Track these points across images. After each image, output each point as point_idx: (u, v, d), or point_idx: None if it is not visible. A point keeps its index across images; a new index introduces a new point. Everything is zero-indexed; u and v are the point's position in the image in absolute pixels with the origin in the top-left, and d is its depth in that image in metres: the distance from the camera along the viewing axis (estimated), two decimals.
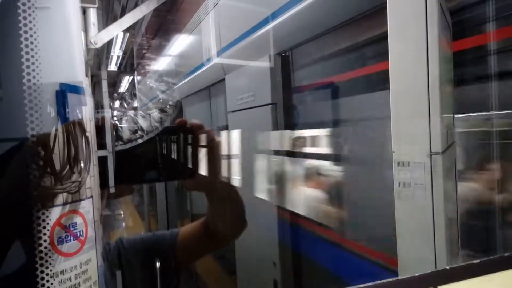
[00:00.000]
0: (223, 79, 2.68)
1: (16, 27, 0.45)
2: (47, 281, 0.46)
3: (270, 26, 1.93)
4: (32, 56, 0.46)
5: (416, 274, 0.48)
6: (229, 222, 0.98)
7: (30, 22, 0.46)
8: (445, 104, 0.87)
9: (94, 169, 0.56)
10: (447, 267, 0.50)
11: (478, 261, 0.51)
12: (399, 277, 0.48)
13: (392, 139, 0.85)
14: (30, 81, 0.46)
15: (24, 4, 0.46)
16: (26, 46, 0.46)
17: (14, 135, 0.46)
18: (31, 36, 0.46)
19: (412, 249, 0.84)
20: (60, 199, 0.48)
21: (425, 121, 0.80)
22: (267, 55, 2.06)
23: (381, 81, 1.45)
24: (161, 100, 4.62)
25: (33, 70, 0.46)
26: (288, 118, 2.06)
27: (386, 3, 0.88)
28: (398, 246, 0.85)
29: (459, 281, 0.49)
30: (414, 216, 0.83)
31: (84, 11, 0.67)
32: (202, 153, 0.85)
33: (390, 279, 0.47)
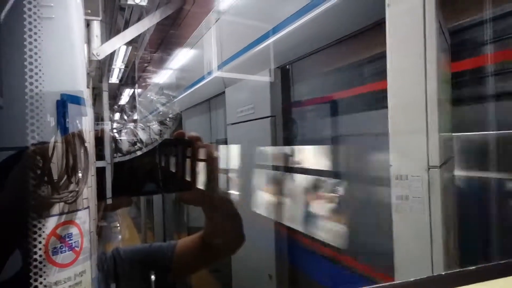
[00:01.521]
0: (223, 92, 2.70)
1: (20, 36, 0.46)
2: None
3: (270, 40, 1.95)
4: (36, 67, 0.46)
5: (411, 279, 0.47)
6: (226, 237, 0.97)
7: (34, 31, 0.47)
8: (443, 119, 0.87)
9: (91, 179, 0.56)
10: (443, 273, 0.49)
11: (474, 267, 0.51)
12: (394, 282, 0.48)
13: (390, 153, 0.85)
14: (32, 90, 0.46)
15: (29, 12, 0.47)
16: (30, 55, 0.46)
17: (14, 144, 0.46)
18: (35, 46, 0.47)
19: (410, 262, 0.83)
20: (56, 209, 0.48)
21: (423, 135, 0.80)
22: (267, 69, 2.08)
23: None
24: (161, 113, 4.63)
25: (36, 80, 0.46)
26: (287, 131, 2.07)
27: (385, 19, 0.89)
28: (395, 259, 0.84)
29: (455, 287, 0.48)
30: (412, 229, 0.82)
31: (88, 24, 0.68)
32: (200, 166, 0.85)
33: (385, 284, 0.47)
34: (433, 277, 0.49)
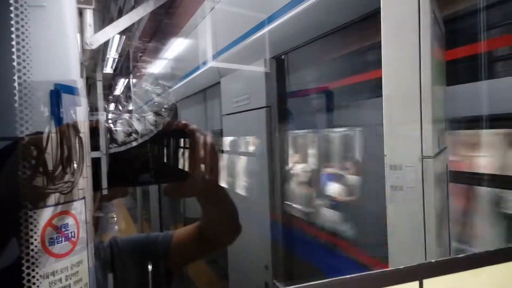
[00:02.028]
0: (219, 82, 2.69)
1: (7, 24, 0.45)
2: (37, 281, 0.46)
3: (265, 30, 1.94)
4: (24, 54, 0.45)
5: (401, 267, 0.48)
6: (222, 227, 0.98)
7: (23, 20, 0.46)
8: (437, 109, 0.88)
9: (87, 170, 0.56)
10: (433, 261, 0.50)
11: (464, 255, 0.52)
12: (385, 269, 0.48)
13: (384, 143, 0.86)
14: (22, 79, 0.46)
15: (16, 1, 0.46)
16: (18, 44, 0.45)
17: (6, 134, 0.45)
18: (23, 34, 0.46)
19: (403, 252, 0.84)
20: (52, 199, 0.48)
21: (417, 125, 0.81)
22: (262, 59, 2.08)
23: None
24: (156, 103, 4.61)
25: (25, 69, 0.46)
26: (282, 121, 2.07)
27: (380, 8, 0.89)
28: (389, 249, 0.85)
29: (445, 275, 0.49)
30: (405, 219, 0.83)
31: (81, 12, 0.67)
32: (194, 156, 0.85)
33: (375, 271, 0.47)
34: (424, 264, 0.49)
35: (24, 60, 0.46)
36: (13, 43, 0.45)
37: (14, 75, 0.45)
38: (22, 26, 0.46)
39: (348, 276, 0.45)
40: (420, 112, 0.80)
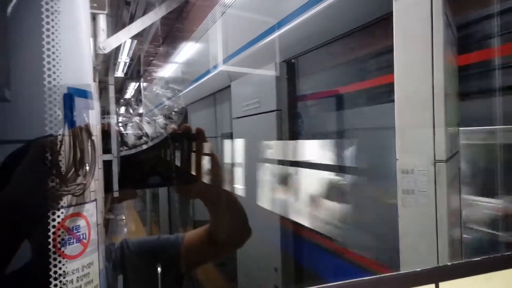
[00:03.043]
0: (229, 86, 2.70)
1: (37, 30, 0.46)
2: (49, 282, 0.47)
3: (276, 34, 1.94)
4: (51, 62, 0.46)
5: (418, 269, 0.48)
6: (231, 230, 0.98)
7: (52, 25, 0.47)
8: (449, 114, 0.87)
9: (98, 172, 0.56)
10: (448, 264, 0.49)
11: (479, 258, 0.51)
12: (401, 272, 0.48)
13: (396, 147, 0.85)
14: (40, 84, 0.46)
15: (47, 6, 0.46)
16: (48, 49, 0.46)
17: (22, 137, 0.46)
18: (52, 39, 0.47)
19: (415, 256, 0.83)
20: (64, 201, 0.49)
21: (429, 129, 0.80)
22: (273, 63, 2.08)
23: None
24: (166, 107, 4.65)
25: (47, 74, 0.47)
26: (292, 125, 2.07)
27: (392, 12, 0.88)
28: (401, 253, 0.84)
29: (460, 278, 0.48)
30: (417, 223, 0.82)
31: (94, 17, 0.68)
32: (203, 160, 0.85)
33: (392, 273, 0.47)
34: (440, 267, 0.49)
35: (54, 66, 0.47)
36: (44, 49, 0.46)
37: (34, 79, 0.46)
38: (52, 27, 0.47)
39: (365, 278, 0.45)
40: (432, 116, 0.79)
